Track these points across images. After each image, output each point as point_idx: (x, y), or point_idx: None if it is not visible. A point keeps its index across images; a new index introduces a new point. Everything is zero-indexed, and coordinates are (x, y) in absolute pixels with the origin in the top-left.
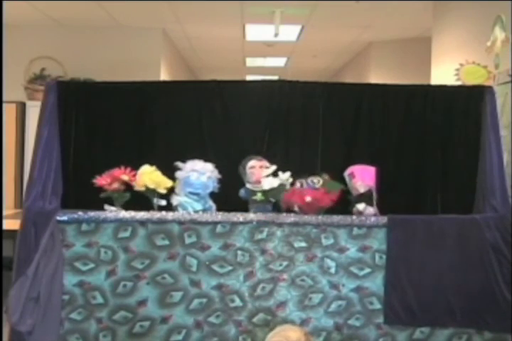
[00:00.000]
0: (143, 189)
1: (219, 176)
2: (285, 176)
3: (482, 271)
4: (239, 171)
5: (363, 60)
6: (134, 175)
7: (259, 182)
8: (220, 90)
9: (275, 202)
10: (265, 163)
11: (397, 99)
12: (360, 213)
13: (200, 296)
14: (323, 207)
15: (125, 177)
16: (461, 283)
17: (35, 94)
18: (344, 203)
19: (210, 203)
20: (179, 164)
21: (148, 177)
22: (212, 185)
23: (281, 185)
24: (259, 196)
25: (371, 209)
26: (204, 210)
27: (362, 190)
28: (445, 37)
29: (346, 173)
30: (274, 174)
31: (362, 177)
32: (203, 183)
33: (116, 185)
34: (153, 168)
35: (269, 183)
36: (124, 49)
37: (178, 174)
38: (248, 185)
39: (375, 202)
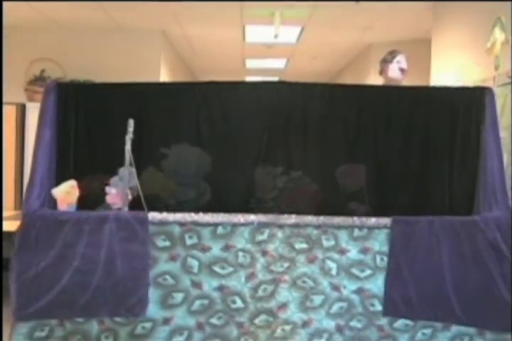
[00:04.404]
0: None
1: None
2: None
3: (482, 271)
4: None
5: (363, 62)
6: None
7: None
8: (219, 91)
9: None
10: None
11: (397, 100)
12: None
13: (202, 297)
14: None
15: None
16: (461, 283)
17: (35, 96)
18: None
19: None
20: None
21: None
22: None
23: None
24: None
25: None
26: None
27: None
28: (445, 38)
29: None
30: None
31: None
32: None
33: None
34: None
35: None
36: (124, 50)
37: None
38: None
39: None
